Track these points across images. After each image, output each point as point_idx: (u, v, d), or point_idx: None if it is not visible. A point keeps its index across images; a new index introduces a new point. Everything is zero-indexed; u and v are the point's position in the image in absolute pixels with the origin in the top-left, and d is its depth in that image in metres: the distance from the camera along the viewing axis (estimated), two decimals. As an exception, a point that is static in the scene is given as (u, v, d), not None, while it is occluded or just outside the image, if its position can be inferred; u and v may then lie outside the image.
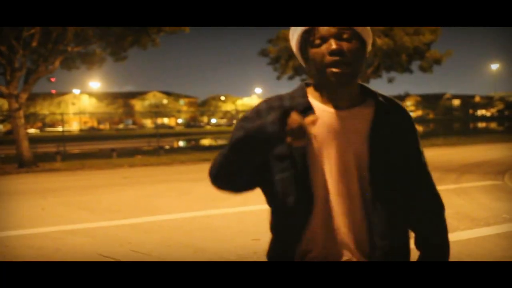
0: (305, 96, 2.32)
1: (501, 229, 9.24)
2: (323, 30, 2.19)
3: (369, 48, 2.33)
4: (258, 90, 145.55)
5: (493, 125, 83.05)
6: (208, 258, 7.61)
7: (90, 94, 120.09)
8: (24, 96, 24.19)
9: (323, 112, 2.25)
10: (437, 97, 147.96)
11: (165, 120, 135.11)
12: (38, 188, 16.73)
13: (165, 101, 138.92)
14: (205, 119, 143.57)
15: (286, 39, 36.24)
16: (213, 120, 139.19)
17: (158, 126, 55.47)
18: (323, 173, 2.25)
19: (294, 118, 1.97)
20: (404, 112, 2.38)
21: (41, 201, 13.52)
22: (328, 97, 2.28)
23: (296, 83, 40.13)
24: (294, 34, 2.32)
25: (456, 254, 7.87)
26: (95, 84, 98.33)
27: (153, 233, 9.66)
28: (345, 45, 2.18)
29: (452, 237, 8.69)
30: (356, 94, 2.30)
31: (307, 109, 2.25)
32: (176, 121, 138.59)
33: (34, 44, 23.56)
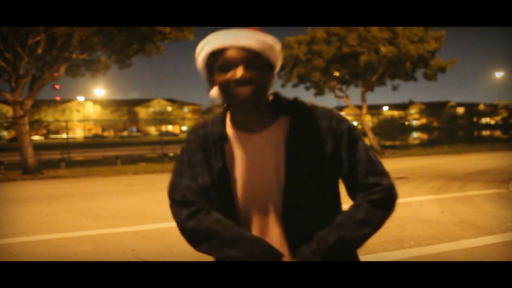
0: (223, 123, 2.38)
1: (506, 238, 9.21)
2: (231, 56, 2.19)
3: (277, 69, 2.33)
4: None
5: (497, 133, 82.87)
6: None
7: (95, 101, 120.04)
8: (28, 103, 24.25)
9: (237, 140, 2.33)
10: (442, 105, 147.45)
11: (170, 128, 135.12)
12: (42, 195, 16.75)
13: (169, 109, 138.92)
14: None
15: (291, 47, 36.25)
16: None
17: (162, 134, 55.44)
18: (244, 197, 2.33)
19: None
20: (326, 114, 2.34)
21: (45, 208, 13.53)
22: (240, 120, 2.33)
23: (300, 90, 40.18)
24: (201, 52, 2.30)
25: (460, 262, 7.81)
26: (100, 91, 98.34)
27: (157, 240, 9.65)
28: (252, 72, 2.18)
29: (457, 245, 8.68)
30: (267, 115, 2.32)
31: (223, 139, 2.33)
32: (181, 129, 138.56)
33: (39, 51, 23.67)
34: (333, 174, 2.34)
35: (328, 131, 2.30)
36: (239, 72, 2.17)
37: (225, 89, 2.21)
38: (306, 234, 2.26)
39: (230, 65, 2.19)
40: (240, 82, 2.17)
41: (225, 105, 2.39)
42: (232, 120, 2.37)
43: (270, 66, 2.27)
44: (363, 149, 2.37)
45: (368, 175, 2.35)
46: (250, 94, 2.18)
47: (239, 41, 2.19)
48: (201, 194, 2.35)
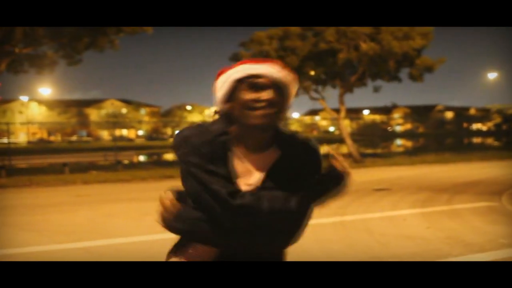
0: (223, 130, 2.91)
1: (497, 256, 9.29)
2: (264, 81, 2.80)
3: (291, 99, 2.96)
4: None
5: (489, 140, 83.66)
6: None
7: (40, 102, 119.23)
8: (-36, 103, 24.03)
9: (237, 151, 2.90)
10: (428, 109, 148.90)
11: (124, 132, 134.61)
12: (-21, 206, 16.58)
13: (124, 111, 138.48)
14: (168, 130, 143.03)
15: (261, 43, 36.22)
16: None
17: (116, 139, 55.19)
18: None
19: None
20: (307, 150, 3.00)
21: (-17, 222, 13.41)
22: (244, 138, 2.90)
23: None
24: (229, 78, 2.87)
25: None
26: (46, 90, 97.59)
27: (109, 258, 9.60)
28: (275, 97, 2.80)
29: (443, 264, 8.63)
30: (265, 141, 2.92)
31: (226, 133, 2.88)
32: (136, 133, 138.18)
33: (-24, 44, 23.41)
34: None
35: (307, 160, 2.98)
36: (269, 93, 2.78)
37: (249, 106, 2.79)
38: None
39: (261, 87, 2.79)
40: (268, 102, 2.77)
41: (227, 117, 2.92)
42: (233, 133, 2.90)
43: (286, 96, 2.89)
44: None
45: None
46: (272, 115, 2.79)
47: (272, 73, 2.82)
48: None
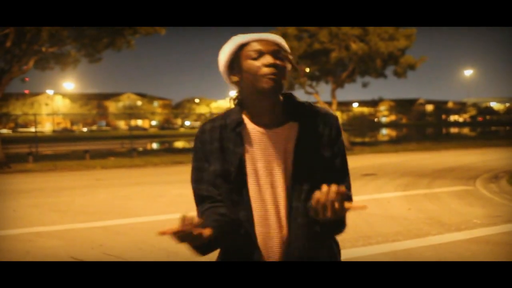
0: (240, 112, 2.67)
1: (472, 234, 9.31)
2: (261, 47, 2.56)
3: (288, 68, 2.68)
4: (233, 93, 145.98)
5: (465, 130, 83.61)
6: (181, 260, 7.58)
7: (64, 95, 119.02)
8: (-4, 97, 24.01)
9: (253, 130, 2.62)
10: (411, 102, 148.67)
11: (139, 122, 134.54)
12: (9, 189, 16.58)
13: (139, 103, 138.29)
14: (179, 121, 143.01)
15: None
16: (187, 123, 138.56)
17: (131, 128, 55.15)
18: (253, 183, 2.60)
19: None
20: (329, 121, 2.67)
21: (13, 203, 13.40)
22: (255, 114, 2.64)
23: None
24: (230, 46, 2.63)
25: (427, 258, 7.88)
26: (69, 85, 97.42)
27: (125, 235, 9.62)
28: (278, 61, 2.54)
29: (423, 242, 8.72)
30: (280, 113, 2.64)
31: (241, 124, 2.62)
32: (150, 123, 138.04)
33: (8, 44, 23.35)
34: (330, 165, 2.64)
35: (330, 139, 2.64)
36: (269, 58, 2.52)
37: (254, 72, 2.53)
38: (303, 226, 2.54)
39: (260, 53, 2.55)
40: (270, 65, 2.51)
41: (239, 101, 2.71)
42: (247, 114, 2.65)
43: (287, 63, 2.64)
44: (344, 161, 2.72)
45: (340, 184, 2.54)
46: (276, 77, 2.52)
47: (265, 36, 2.60)
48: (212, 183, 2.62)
